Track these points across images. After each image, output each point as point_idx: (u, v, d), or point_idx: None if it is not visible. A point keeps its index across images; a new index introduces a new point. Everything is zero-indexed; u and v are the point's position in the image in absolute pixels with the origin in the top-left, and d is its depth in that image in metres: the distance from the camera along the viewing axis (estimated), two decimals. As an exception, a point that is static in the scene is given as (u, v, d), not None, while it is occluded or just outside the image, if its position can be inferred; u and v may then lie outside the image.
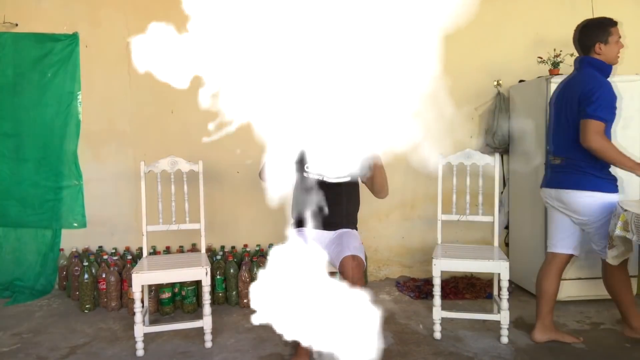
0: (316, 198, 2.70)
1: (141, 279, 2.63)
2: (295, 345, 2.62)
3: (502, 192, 3.84)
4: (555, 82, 3.17)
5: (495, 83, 3.83)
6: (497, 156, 3.01)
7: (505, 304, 2.70)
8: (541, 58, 3.44)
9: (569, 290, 3.29)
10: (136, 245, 3.70)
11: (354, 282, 2.46)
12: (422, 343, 2.78)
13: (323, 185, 2.65)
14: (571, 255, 2.74)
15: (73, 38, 3.68)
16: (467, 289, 3.53)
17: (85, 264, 3.36)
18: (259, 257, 3.49)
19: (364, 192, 2.81)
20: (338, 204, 2.69)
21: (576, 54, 2.72)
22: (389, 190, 3.13)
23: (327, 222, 2.71)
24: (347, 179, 2.66)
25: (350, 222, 2.78)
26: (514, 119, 3.67)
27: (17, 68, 3.65)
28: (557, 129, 2.71)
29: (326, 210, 2.71)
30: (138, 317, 2.62)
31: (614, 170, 2.62)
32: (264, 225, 3.81)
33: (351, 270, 2.44)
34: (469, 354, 2.63)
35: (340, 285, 2.42)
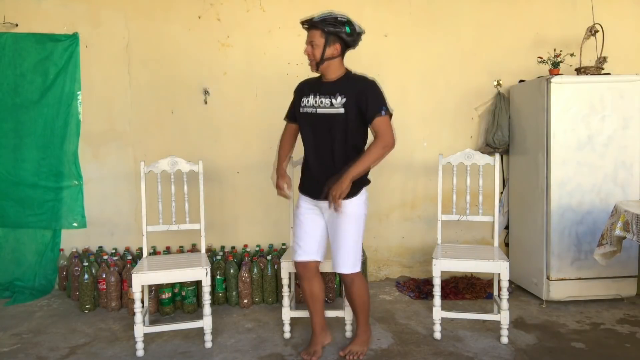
0: (311, 141, 2.48)
1: (141, 279, 2.63)
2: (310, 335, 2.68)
3: (502, 192, 3.84)
4: (555, 82, 3.17)
5: (495, 83, 3.83)
6: (497, 156, 3.00)
7: (505, 304, 2.70)
8: (541, 58, 3.43)
9: (569, 290, 3.28)
10: (136, 245, 3.70)
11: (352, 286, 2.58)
12: (422, 343, 2.77)
13: (316, 119, 2.43)
14: None
15: (73, 38, 3.67)
16: (467, 289, 3.53)
17: (85, 264, 3.36)
18: (259, 257, 3.49)
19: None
20: (333, 144, 2.42)
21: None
22: (389, 193, 3.21)
23: (322, 174, 2.45)
24: (341, 111, 2.38)
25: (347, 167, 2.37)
26: (514, 119, 3.67)
27: (17, 68, 3.65)
28: None
29: (321, 156, 2.43)
30: (138, 318, 2.62)
31: None
32: (264, 225, 3.81)
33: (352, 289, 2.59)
34: (469, 354, 2.63)
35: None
